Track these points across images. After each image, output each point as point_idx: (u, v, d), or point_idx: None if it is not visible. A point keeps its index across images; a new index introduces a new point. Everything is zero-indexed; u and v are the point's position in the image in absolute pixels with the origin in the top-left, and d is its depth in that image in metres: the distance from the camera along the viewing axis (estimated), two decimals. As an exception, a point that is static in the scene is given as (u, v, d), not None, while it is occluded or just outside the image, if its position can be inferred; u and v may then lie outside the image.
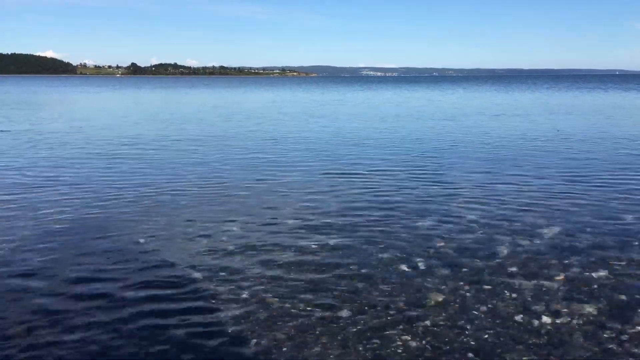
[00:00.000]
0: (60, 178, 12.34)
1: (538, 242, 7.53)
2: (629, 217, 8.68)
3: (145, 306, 5.58)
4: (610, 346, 4.73)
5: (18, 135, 21.10)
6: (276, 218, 8.84)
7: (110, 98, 59.98)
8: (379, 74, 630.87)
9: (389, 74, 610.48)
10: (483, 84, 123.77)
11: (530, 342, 4.83)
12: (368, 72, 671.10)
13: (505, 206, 9.46)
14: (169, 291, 5.97)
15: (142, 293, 5.90)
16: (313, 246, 7.38)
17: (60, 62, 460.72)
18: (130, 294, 5.89)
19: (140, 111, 37.89)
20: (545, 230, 8.01)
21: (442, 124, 25.84)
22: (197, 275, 6.42)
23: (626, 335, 4.91)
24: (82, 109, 42.07)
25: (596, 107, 38.13)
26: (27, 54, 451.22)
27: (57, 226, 8.43)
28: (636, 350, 4.66)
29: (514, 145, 17.68)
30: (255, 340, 4.87)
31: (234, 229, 8.28)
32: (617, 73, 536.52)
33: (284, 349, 4.73)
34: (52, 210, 9.35)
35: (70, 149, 17.26)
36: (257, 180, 12.08)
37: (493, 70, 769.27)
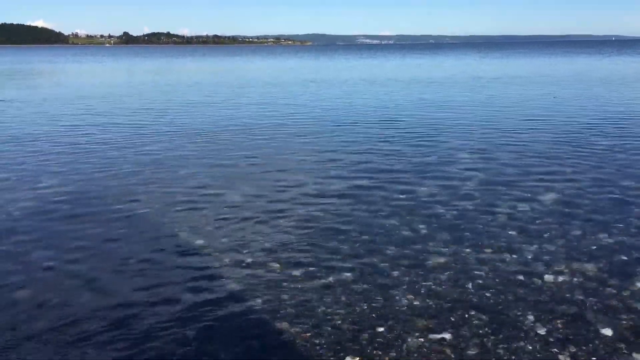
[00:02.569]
0: (59, 147, 12.30)
1: (538, 206, 7.58)
2: (629, 182, 8.73)
3: (149, 272, 5.64)
4: (611, 303, 4.82)
5: (16, 105, 20.92)
6: (277, 186, 8.87)
7: (115, 68, 59.35)
8: (374, 42, 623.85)
9: (385, 42, 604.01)
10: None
11: (532, 299, 4.92)
12: (363, 41, 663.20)
13: (505, 172, 9.50)
14: (172, 257, 6.02)
15: (145, 260, 5.95)
16: (314, 213, 7.42)
17: (52, 31, 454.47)
18: (132, 261, 5.93)
19: (146, 81, 37.54)
20: (544, 196, 8.06)
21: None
22: (199, 241, 6.47)
23: (627, 292, 5.00)
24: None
25: (593, 73, 37.98)
26: (17, 24, 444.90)
27: (57, 195, 8.45)
28: (636, 305, 4.75)
29: (511, 111, 17.66)
30: (259, 303, 4.93)
31: (235, 196, 8.31)
32: (614, 39, 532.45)
33: (289, 309, 4.80)
34: (52, 181, 9.36)
35: (71, 119, 17.15)
36: (259, 148, 12.07)
37: (489, 37, 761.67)
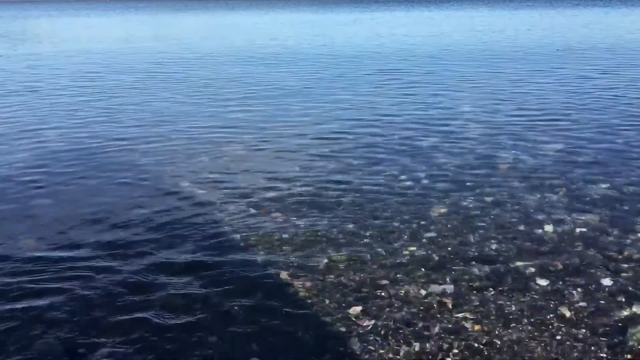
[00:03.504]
0: (59, 104, 12.17)
1: (540, 157, 7.53)
2: (631, 133, 8.66)
3: (150, 221, 5.64)
4: (611, 252, 4.84)
5: (15, 60, 20.60)
6: (277, 136, 8.81)
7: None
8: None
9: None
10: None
11: (533, 249, 4.94)
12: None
13: (507, 123, 9.42)
14: (173, 207, 6.01)
15: (145, 209, 5.95)
16: (315, 164, 7.38)
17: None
18: (135, 211, 5.94)
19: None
20: (546, 146, 8.00)
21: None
22: (200, 192, 6.46)
23: (628, 241, 5.02)
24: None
25: (598, 24, 37.23)
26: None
27: (57, 151, 8.40)
28: (637, 256, 4.77)
29: (514, 62, 17.39)
30: (262, 254, 4.96)
31: (236, 148, 8.26)
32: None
33: (291, 258, 4.83)
34: (51, 133, 9.31)
35: (72, 75, 16.92)
36: (259, 100, 11.94)
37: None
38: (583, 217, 5.55)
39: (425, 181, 6.68)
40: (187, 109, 11.14)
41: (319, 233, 5.34)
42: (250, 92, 12.91)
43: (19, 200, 6.32)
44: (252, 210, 5.89)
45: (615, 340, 3.66)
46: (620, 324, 3.83)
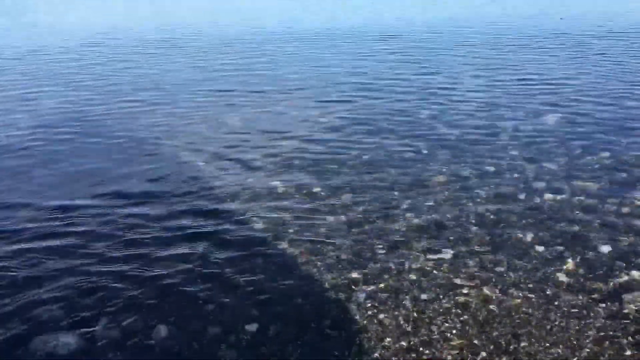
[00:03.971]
0: (57, 72, 12.07)
1: (540, 127, 7.50)
2: (633, 102, 8.61)
3: (149, 191, 5.64)
4: (610, 220, 4.84)
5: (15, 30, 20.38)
6: (276, 106, 8.75)
7: None
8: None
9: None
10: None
11: (532, 217, 4.94)
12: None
13: (509, 93, 9.35)
14: (172, 177, 6.00)
15: (144, 179, 5.94)
16: (315, 135, 7.35)
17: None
18: (133, 180, 5.93)
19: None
20: (547, 116, 7.95)
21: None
22: (200, 162, 6.44)
23: (627, 209, 5.02)
24: None
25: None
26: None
27: (55, 117, 8.35)
28: (636, 222, 4.77)
29: (516, 32, 17.19)
30: (262, 222, 4.96)
31: (234, 118, 8.23)
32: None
33: (291, 229, 4.83)
34: (50, 101, 9.26)
35: (70, 42, 16.74)
36: (257, 70, 11.83)
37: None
38: (582, 186, 5.54)
39: (424, 150, 6.66)
40: (184, 76, 11.06)
41: (318, 201, 5.34)
42: (248, 62, 12.79)
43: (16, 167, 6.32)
44: (250, 180, 5.88)
45: (612, 306, 3.69)
46: (617, 290, 3.85)
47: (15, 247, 4.56)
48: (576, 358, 3.22)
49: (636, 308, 3.64)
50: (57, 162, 6.56)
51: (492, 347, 3.32)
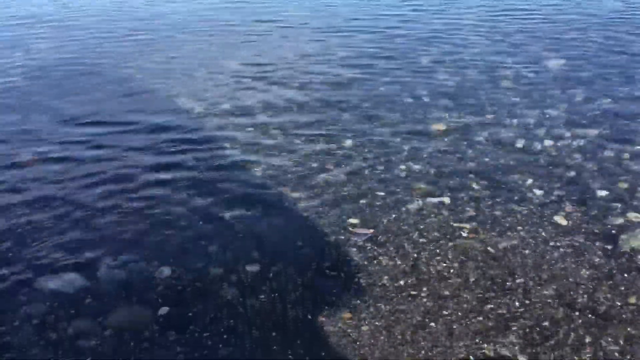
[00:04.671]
0: (51, 16, 11.85)
1: (542, 73, 7.42)
2: (636, 47, 8.48)
3: (148, 135, 5.63)
4: (609, 165, 4.85)
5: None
6: (275, 53, 8.64)
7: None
8: None
9: None
10: None
11: (531, 162, 4.95)
12: None
13: (509, 39, 9.19)
14: (172, 124, 5.98)
15: (143, 123, 5.92)
16: (315, 80, 7.28)
17: None
18: (132, 125, 5.90)
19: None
20: (549, 62, 7.85)
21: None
22: (199, 108, 6.41)
23: (626, 155, 5.02)
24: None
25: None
26: None
27: (52, 63, 8.26)
28: (635, 167, 4.79)
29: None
30: (261, 168, 4.98)
31: (232, 62, 8.14)
32: None
33: (290, 175, 4.85)
34: (44, 46, 9.14)
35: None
36: (258, 18, 11.61)
37: None
38: (582, 132, 5.53)
39: (425, 97, 6.61)
40: (182, 26, 10.86)
41: (318, 148, 5.34)
42: (247, 14, 12.54)
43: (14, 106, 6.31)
44: (250, 127, 5.87)
45: (608, 245, 3.74)
46: (614, 231, 3.91)
47: (15, 186, 4.59)
48: (572, 293, 3.29)
49: (631, 247, 3.70)
50: (51, 99, 6.53)
51: (488, 284, 3.39)
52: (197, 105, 6.52)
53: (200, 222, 4.12)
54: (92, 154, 5.30)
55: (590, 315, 3.11)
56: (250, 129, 5.84)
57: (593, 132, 5.52)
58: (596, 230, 3.92)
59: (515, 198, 4.39)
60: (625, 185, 4.52)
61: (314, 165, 5.02)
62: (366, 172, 4.88)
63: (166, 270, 3.57)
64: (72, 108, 6.47)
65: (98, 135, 5.73)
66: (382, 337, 2.99)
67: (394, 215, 4.20)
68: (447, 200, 4.40)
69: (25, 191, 4.64)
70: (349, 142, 5.46)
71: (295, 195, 4.52)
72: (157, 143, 5.52)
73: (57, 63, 8.24)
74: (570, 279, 3.41)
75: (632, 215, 4.07)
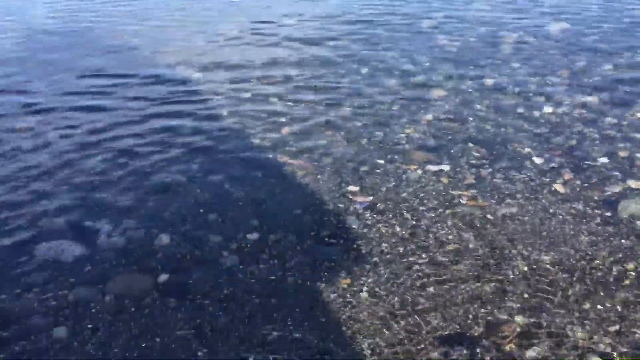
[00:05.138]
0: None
1: (544, 38, 7.34)
2: (638, 14, 8.37)
3: (146, 104, 5.58)
4: (609, 132, 4.83)
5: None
6: (274, 18, 8.51)
7: None
8: None
9: None
10: None
11: (531, 130, 4.93)
12: None
13: (511, 4, 9.07)
14: (169, 88, 5.92)
15: (141, 92, 5.87)
16: (313, 44, 7.19)
17: None
18: (130, 93, 5.85)
19: None
20: (552, 27, 7.76)
21: None
22: (195, 74, 6.34)
23: (626, 122, 5.00)
24: None
25: None
26: None
27: (49, 27, 8.14)
28: (635, 134, 4.77)
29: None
30: (260, 136, 4.94)
31: (230, 25, 8.02)
32: None
33: (289, 142, 4.81)
34: (41, 11, 9.01)
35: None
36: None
37: None
38: (583, 99, 5.49)
39: (425, 63, 6.54)
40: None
41: (317, 115, 5.30)
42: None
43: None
44: (248, 94, 5.81)
45: (607, 212, 3.75)
46: (613, 198, 3.90)
47: (14, 151, 4.57)
48: (571, 260, 3.30)
49: (630, 213, 3.70)
50: (45, 70, 6.44)
51: (486, 250, 3.40)
52: (190, 69, 6.45)
53: (199, 190, 4.11)
54: (92, 117, 5.25)
55: (588, 282, 3.12)
56: (248, 95, 5.79)
57: (594, 98, 5.47)
58: (595, 198, 3.91)
59: (515, 165, 4.37)
60: (625, 153, 4.50)
61: (313, 132, 4.99)
62: (365, 139, 4.85)
63: (165, 238, 3.57)
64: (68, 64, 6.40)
65: (99, 93, 5.67)
66: (381, 303, 3.00)
67: (393, 183, 4.18)
68: (446, 167, 4.38)
69: (22, 154, 4.61)
70: (348, 109, 5.41)
71: (295, 162, 4.50)
72: (153, 108, 5.48)
73: (54, 26, 8.11)
74: (569, 246, 3.42)
75: (632, 183, 4.06)
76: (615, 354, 2.66)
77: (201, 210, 3.87)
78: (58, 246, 3.46)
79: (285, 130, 5.03)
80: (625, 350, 2.68)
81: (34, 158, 4.56)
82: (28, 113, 5.41)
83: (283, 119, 5.23)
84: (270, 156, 4.60)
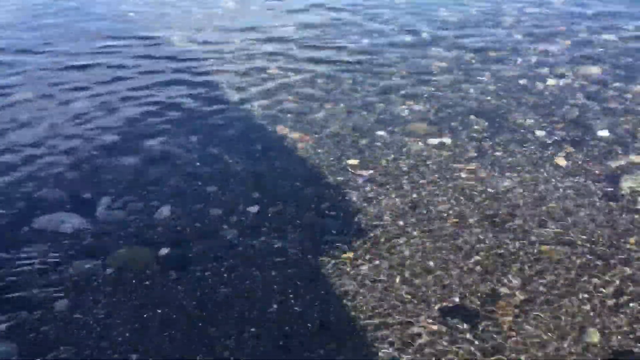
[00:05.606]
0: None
1: (546, 9, 7.24)
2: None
3: (145, 77, 5.52)
4: (611, 105, 4.79)
5: None
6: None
7: None
8: None
9: None
10: None
11: (533, 103, 4.88)
12: None
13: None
14: (167, 63, 5.85)
15: (140, 66, 5.79)
16: (315, 22, 7.08)
17: None
18: (128, 70, 5.77)
19: None
20: (554, -2, 7.65)
21: None
22: (197, 48, 6.26)
23: (629, 94, 4.95)
24: None
25: None
26: None
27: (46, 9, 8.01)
28: (637, 107, 4.73)
29: None
30: (260, 109, 4.90)
31: (229, 3, 7.89)
32: None
33: (289, 115, 4.77)
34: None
35: None
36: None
37: None
38: (586, 71, 5.44)
39: (426, 37, 6.45)
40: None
41: (317, 87, 5.25)
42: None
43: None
44: (247, 65, 5.75)
45: (608, 187, 3.73)
46: (614, 172, 3.89)
47: (12, 118, 4.53)
48: (571, 234, 3.30)
49: (631, 187, 3.69)
50: (46, 46, 6.36)
51: (486, 223, 3.40)
52: (194, 45, 6.37)
53: (198, 163, 4.08)
54: (87, 93, 5.19)
55: (589, 256, 3.13)
56: (248, 66, 5.72)
57: (596, 70, 5.42)
58: (597, 172, 3.90)
59: (517, 138, 4.35)
60: (627, 127, 4.47)
61: (313, 104, 4.94)
62: (366, 111, 4.81)
63: (165, 211, 3.56)
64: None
65: (100, 54, 5.60)
66: (381, 276, 3.01)
67: (393, 156, 4.16)
68: (447, 140, 4.35)
69: (23, 124, 4.57)
70: (348, 81, 5.36)
71: (294, 135, 4.46)
72: (152, 78, 5.42)
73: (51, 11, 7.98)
74: (570, 220, 3.42)
75: (634, 157, 4.04)
76: (612, 327, 2.68)
77: (200, 183, 3.85)
78: (57, 218, 3.45)
79: (286, 102, 4.98)
80: (622, 323, 2.70)
81: (31, 130, 4.52)
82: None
83: (282, 91, 5.18)
84: (270, 129, 4.57)
